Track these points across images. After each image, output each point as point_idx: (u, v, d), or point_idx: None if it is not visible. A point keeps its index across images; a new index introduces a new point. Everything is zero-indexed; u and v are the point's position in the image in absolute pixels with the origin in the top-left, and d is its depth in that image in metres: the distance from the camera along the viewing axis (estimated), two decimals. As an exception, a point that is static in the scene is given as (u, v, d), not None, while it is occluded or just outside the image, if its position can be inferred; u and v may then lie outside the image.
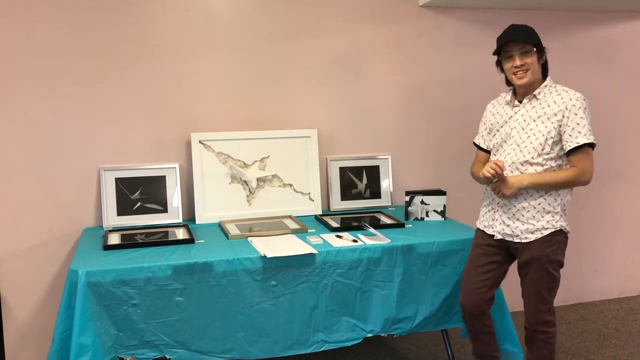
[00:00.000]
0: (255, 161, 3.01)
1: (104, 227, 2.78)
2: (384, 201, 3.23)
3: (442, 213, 2.93)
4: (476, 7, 3.33)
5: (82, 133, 2.81)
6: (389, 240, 2.53)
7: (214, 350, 2.33)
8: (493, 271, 2.43)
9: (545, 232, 2.29)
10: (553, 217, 2.30)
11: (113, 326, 2.22)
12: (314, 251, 2.38)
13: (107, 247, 2.42)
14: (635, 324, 3.49)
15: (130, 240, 2.52)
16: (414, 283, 2.56)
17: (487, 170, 2.28)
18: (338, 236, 2.60)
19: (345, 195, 3.18)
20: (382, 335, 2.55)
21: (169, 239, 2.52)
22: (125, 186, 2.83)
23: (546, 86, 2.34)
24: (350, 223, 2.84)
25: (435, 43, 3.31)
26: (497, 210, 2.39)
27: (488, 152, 2.52)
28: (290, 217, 2.93)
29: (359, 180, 3.21)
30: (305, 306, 2.42)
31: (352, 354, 3.06)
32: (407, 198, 2.93)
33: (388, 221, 2.85)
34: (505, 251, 2.43)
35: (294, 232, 2.66)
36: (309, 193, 3.07)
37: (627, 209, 3.85)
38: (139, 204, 2.84)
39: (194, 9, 2.91)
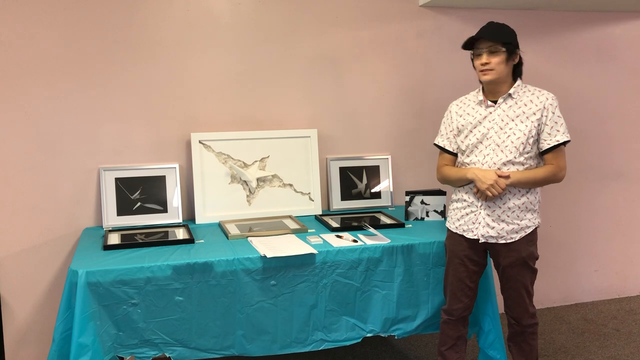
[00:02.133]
0: (255, 161, 3.01)
1: (103, 227, 2.78)
2: (384, 201, 3.23)
3: (442, 213, 2.93)
4: (476, 7, 3.34)
5: (82, 133, 2.81)
6: (389, 240, 2.53)
7: (213, 347, 2.34)
8: (475, 282, 2.46)
9: (528, 231, 2.33)
10: (533, 214, 2.34)
11: (113, 326, 2.21)
12: (314, 251, 2.38)
13: (107, 247, 2.42)
14: (635, 324, 3.49)
15: (130, 240, 2.52)
16: (415, 283, 2.56)
17: (497, 190, 2.25)
18: (338, 236, 2.60)
19: (345, 195, 3.18)
20: (383, 335, 2.55)
21: (169, 239, 2.52)
22: (125, 186, 2.83)
23: (518, 86, 2.34)
24: (350, 223, 2.84)
25: (435, 43, 3.31)
26: (480, 212, 2.35)
27: (454, 154, 2.49)
28: (290, 217, 2.93)
29: (359, 180, 3.21)
30: (304, 305, 2.42)
31: (352, 353, 3.06)
32: (407, 198, 2.93)
33: (388, 221, 2.85)
34: (483, 255, 2.43)
35: (294, 232, 2.66)
36: (309, 193, 3.07)
37: (627, 209, 3.85)
38: (139, 204, 2.84)
39: (194, 9, 2.91)
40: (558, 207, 3.69)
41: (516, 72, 2.36)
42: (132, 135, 2.88)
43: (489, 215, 2.33)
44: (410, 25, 3.24)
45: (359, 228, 2.74)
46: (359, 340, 2.51)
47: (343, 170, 3.19)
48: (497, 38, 2.26)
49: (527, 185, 2.30)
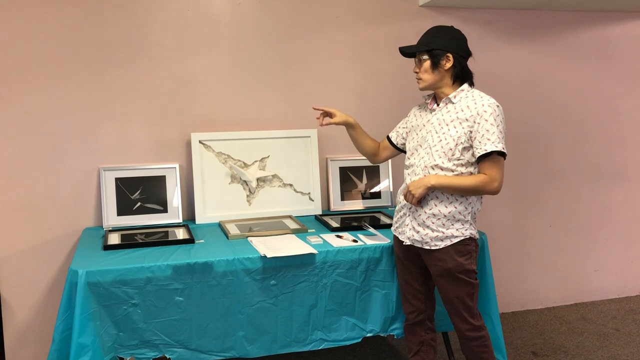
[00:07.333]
0: (255, 161, 3.01)
1: (104, 227, 2.78)
2: (384, 201, 3.23)
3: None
4: (476, 7, 3.34)
5: (82, 133, 2.81)
6: (389, 240, 2.53)
7: (214, 349, 2.34)
8: (423, 284, 2.43)
9: (455, 240, 2.24)
10: (463, 225, 2.24)
11: (113, 326, 2.22)
12: (314, 251, 2.38)
13: (107, 247, 2.42)
14: (635, 324, 3.49)
15: (130, 240, 2.52)
16: (414, 283, 2.56)
17: (410, 199, 2.25)
18: (338, 236, 2.60)
19: (345, 195, 3.18)
20: (382, 335, 2.55)
21: (169, 239, 2.52)
22: (125, 186, 2.83)
23: (463, 90, 2.26)
24: (350, 223, 2.84)
25: (435, 43, 3.31)
26: (409, 215, 2.33)
27: (394, 146, 2.55)
28: (290, 217, 2.93)
29: (359, 180, 3.21)
30: (303, 305, 2.42)
31: (352, 353, 3.06)
32: (407, 198, 2.93)
33: (388, 221, 2.85)
34: (418, 257, 2.38)
35: (294, 232, 2.66)
36: (309, 193, 3.07)
37: (627, 209, 3.85)
38: (139, 204, 2.84)
39: (195, 9, 2.91)
40: (558, 207, 3.69)
41: (463, 76, 2.28)
42: (132, 135, 2.88)
43: (415, 219, 2.30)
44: (410, 25, 3.24)
45: (359, 228, 2.74)
46: (359, 340, 2.51)
47: (343, 170, 3.19)
48: (419, 47, 2.27)
49: (453, 192, 2.20)
